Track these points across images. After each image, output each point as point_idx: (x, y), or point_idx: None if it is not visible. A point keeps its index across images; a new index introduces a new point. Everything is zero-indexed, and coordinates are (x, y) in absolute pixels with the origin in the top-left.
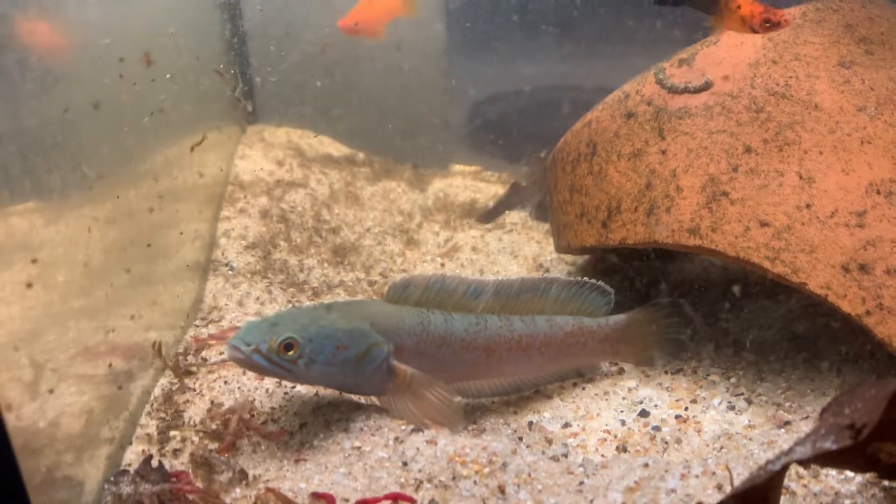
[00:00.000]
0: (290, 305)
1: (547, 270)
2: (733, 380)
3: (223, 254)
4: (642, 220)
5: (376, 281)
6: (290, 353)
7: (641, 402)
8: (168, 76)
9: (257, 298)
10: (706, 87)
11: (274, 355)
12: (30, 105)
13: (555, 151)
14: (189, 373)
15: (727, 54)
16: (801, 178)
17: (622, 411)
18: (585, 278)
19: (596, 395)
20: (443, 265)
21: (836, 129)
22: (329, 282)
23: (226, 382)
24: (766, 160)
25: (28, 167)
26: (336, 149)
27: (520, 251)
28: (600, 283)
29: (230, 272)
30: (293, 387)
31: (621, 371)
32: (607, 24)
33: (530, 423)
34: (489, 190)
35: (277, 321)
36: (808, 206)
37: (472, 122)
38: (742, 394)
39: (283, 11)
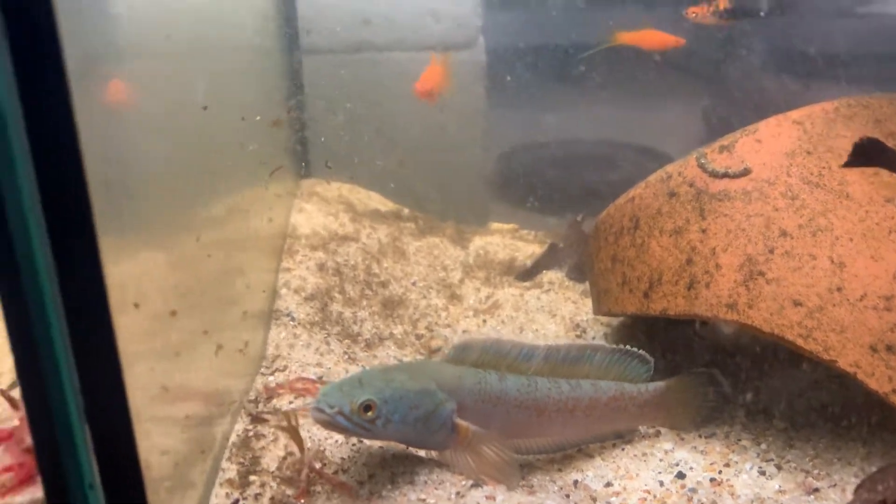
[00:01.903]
0: (346, 356)
1: (584, 330)
2: (763, 445)
3: (284, 304)
4: (683, 293)
5: (423, 335)
6: (369, 413)
7: (678, 465)
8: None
9: (317, 349)
10: (745, 173)
11: (355, 416)
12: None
13: (597, 222)
14: (262, 420)
15: (765, 143)
16: (832, 262)
17: (660, 472)
18: (628, 346)
19: (635, 455)
20: (484, 321)
21: (866, 217)
22: (380, 334)
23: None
24: (800, 244)
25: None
26: (383, 204)
27: (557, 310)
28: (641, 351)
29: (291, 322)
30: (360, 440)
31: (657, 433)
32: (645, 80)
33: (575, 482)
34: (527, 249)
35: (355, 384)
36: (839, 288)
37: (508, 180)
38: (772, 459)
39: (338, 68)
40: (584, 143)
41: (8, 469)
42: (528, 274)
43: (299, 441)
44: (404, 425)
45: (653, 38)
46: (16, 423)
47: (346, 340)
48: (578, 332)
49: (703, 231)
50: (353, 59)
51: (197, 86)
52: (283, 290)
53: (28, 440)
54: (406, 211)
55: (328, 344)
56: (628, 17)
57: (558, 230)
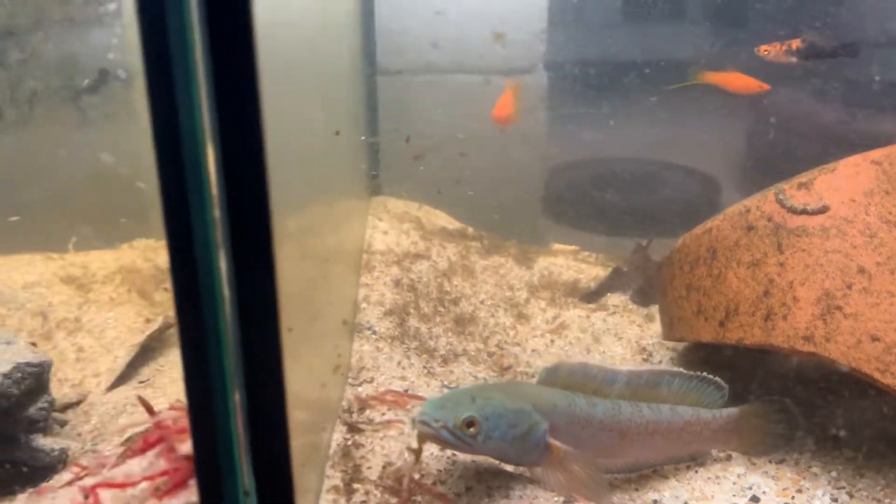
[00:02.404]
0: (426, 370)
1: (650, 354)
2: (834, 473)
3: (366, 318)
4: (759, 323)
5: (494, 352)
6: (471, 429)
7: (751, 488)
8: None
9: (399, 363)
10: (823, 210)
11: (458, 431)
12: None
13: (672, 251)
14: (358, 430)
15: (844, 182)
16: None
17: (734, 495)
18: (704, 373)
19: (708, 478)
20: (552, 342)
21: None
22: (454, 350)
23: (392, 442)
24: (878, 281)
25: None
26: (449, 223)
27: (623, 333)
28: (716, 378)
29: (373, 336)
30: (454, 453)
31: (729, 457)
32: (701, 102)
33: (654, 501)
34: (590, 271)
35: (457, 401)
36: None
37: (567, 202)
38: (843, 487)
39: (406, 89)
40: (642, 164)
41: (163, 473)
42: (592, 296)
43: (418, 455)
44: (503, 442)
45: (737, 80)
46: (149, 426)
47: (424, 355)
48: (645, 356)
49: (781, 265)
50: (420, 81)
51: (319, 109)
52: (364, 305)
53: (180, 447)
54: (470, 230)
55: (408, 358)
56: (687, 39)
57: (620, 253)
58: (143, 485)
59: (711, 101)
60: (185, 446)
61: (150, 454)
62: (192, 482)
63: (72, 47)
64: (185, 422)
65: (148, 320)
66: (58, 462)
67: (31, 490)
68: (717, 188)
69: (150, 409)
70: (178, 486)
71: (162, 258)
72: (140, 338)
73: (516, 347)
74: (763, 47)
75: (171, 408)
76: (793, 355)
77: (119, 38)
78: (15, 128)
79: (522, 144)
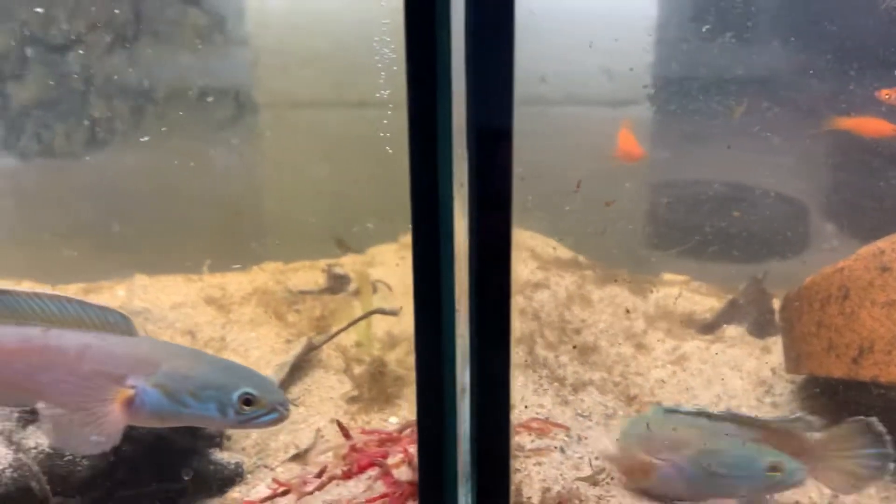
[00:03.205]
0: (559, 398)
1: (770, 386)
2: None
3: None
4: None
5: (619, 382)
6: None
7: None
8: None
9: (535, 390)
10: None
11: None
12: None
13: (801, 288)
14: (513, 455)
15: None
16: None
17: None
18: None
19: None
20: (674, 373)
21: None
22: (581, 378)
23: (547, 468)
24: None
25: None
26: (562, 252)
27: (742, 365)
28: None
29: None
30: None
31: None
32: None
33: None
34: (704, 302)
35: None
36: None
37: (675, 231)
38: None
39: (516, 120)
40: (749, 192)
41: (383, 496)
42: (709, 327)
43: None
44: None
45: (872, 125)
46: (346, 450)
47: (555, 383)
48: (765, 388)
49: None
50: (528, 112)
51: None
52: None
53: (396, 472)
54: (581, 258)
55: (542, 386)
56: (793, 65)
57: (732, 284)
58: None
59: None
60: (398, 471)
61: (364, 476)
62: None
63: (208, 77)
64: (374, 446)
65: (288, 341)
66: (235, 475)
67: (217, 500)
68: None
69: (346, 434)
70: None
71: (292, 280)
72: (288, 358)
73: (639, 377)
74: (884, 91)
75: (362, 432)
76: None
77: (251, 67)
78: (151, 151)
79: (629, 175)
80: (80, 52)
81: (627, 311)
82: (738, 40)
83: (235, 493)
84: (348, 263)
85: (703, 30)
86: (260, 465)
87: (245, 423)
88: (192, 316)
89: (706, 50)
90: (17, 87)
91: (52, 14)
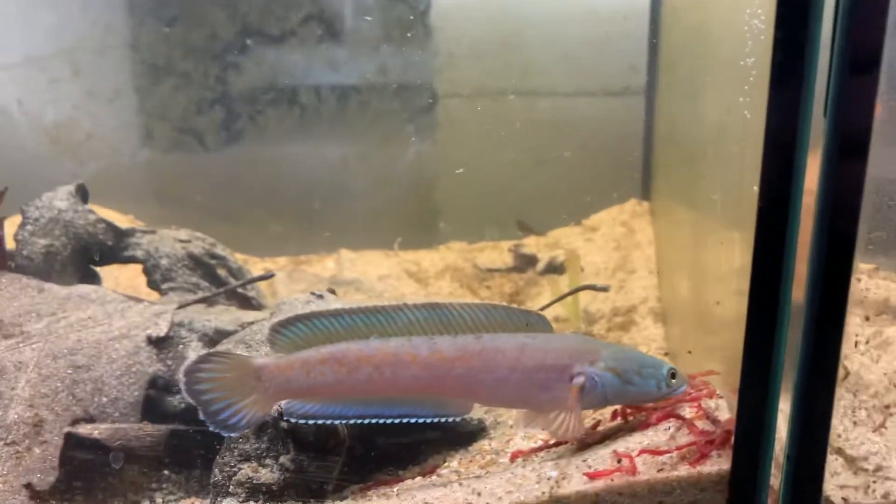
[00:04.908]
0: None
1: None
2: None
3: None
4: None
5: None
6: None
7: None
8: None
9: None
10: None
11: None
12: None
13: None
14: None
15: None
16: None
17: None
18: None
19: None
20: (879, 357)
21: None
22: None
23: None
24: None
25: None
26: None
27: None
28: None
29: None
30: None
31: None
32: None
33: None
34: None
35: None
36: None
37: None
38: None
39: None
40: None
41: (690, 444)
42: None
43: None
44: None
45: None
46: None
47: None
48: None
49: None
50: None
51: None
52: None
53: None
54: None
55: None
56: None
57: None
58: (674, 453)
59: None
60: (702, 422)
61: (661, 427)
62: (715, 453)
63: (404, 72)
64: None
65: None
66: (479, 430)
67: (461, 450)
68: None
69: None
70: (706, 455)
71: (479, 259)
72: None
73: (845, 361)
74: None
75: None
76: None
77: (441, 64)
78: (357, 140)
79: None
80: (293, 44)
81: None
82: None
83: (485, 445)
84: (531, 245)
85: None
86: (499, 421)
87: (668, 395)
88: (397, 287)
89: None
90: (235, 76)
91: (270, 7)
